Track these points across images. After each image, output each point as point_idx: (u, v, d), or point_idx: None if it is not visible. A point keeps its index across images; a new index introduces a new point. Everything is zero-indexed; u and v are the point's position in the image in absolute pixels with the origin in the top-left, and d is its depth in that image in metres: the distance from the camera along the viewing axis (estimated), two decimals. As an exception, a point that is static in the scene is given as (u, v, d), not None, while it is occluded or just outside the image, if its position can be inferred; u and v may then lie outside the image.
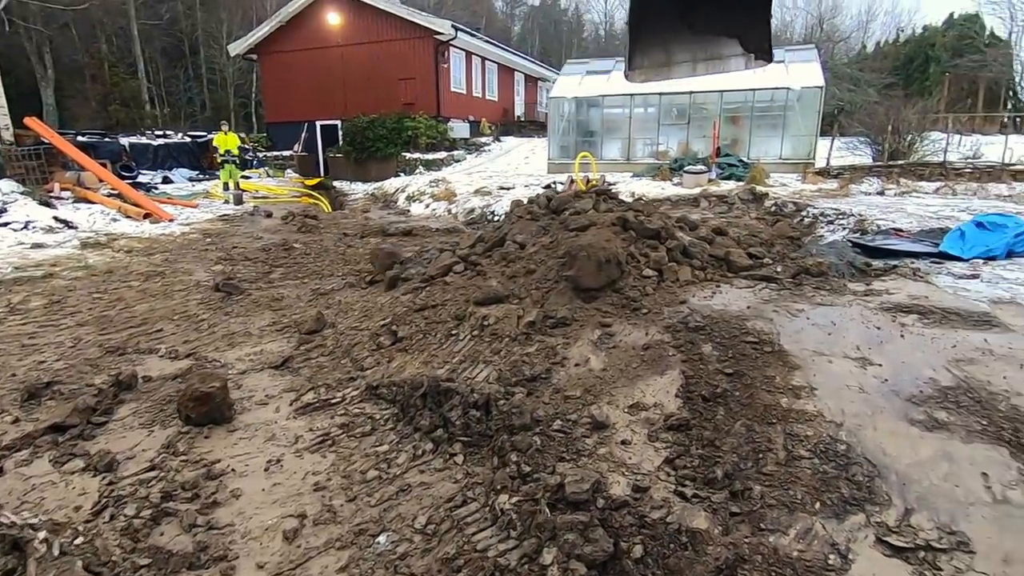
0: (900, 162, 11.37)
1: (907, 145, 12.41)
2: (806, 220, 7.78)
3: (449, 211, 11.63)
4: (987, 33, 27.87)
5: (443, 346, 4.10)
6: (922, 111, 14.00)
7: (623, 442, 2.82)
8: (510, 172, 16.96)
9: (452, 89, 22.10)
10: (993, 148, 12.95)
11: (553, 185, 12.28)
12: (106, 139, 18.20)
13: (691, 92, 13.83)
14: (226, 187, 13.82)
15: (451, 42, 20.41)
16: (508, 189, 11.93)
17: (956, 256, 4.76)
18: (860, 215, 7.28)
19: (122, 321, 5.28)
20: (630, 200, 10.35)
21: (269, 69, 22.88)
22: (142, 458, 2.99)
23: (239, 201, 13.05)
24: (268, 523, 2.49)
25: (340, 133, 20.95)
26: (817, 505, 2.26)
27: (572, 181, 12.45)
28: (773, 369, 3.14)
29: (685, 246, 4.96)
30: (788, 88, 12.77)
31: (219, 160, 13.88)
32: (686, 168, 10.83)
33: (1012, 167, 10.34)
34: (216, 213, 11.98)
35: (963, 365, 2.95)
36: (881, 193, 9.10)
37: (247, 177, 17.37)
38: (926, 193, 9.02)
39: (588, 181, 12.36)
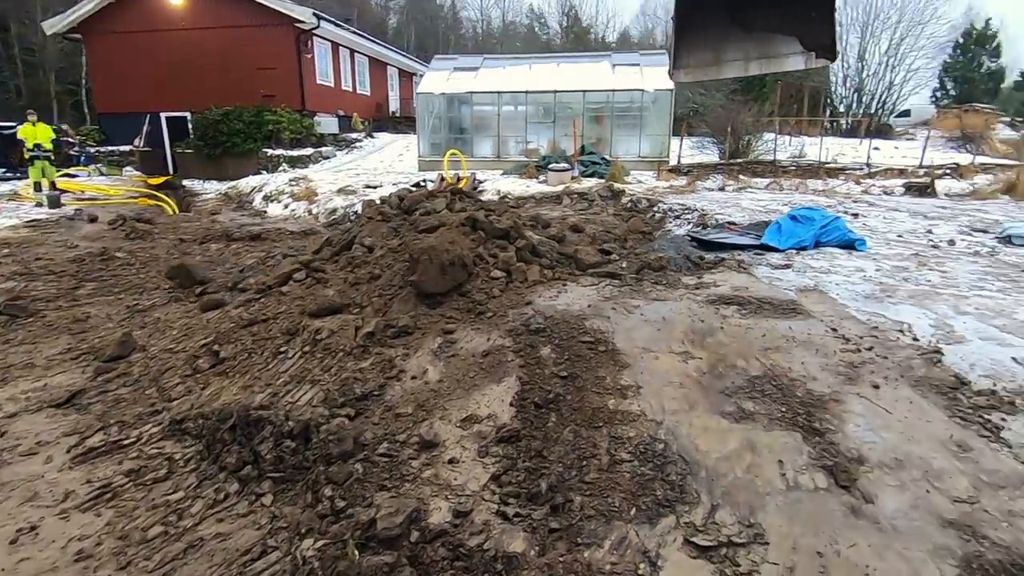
0: (739, 160, 12.53)
1: (745, 145, 13.74)
2: (657, 215, 8.20)
3: (310, 212, 10.86)
4: (809, 47, 31.76)
5: (268, 366, 3.67)
6: (756, 115, 15.55)
7: (451, 461, 2.64)
8: (382, 170, 16.34)
9: (318, 81, 20.85)
10: (814, 148, 14.70)
11: (423, 183, 11.96)
12: None
13: (555, 91, 14.18)
14: (38, 187, 11.83)
15: (314, 31, 19.20)
16: (375, 188, 11.41)
17: (775, 247, 5.19)
18: (702, 210, 7.81)
19: None
20: (496, 199, 10.35)
21: (99, 52, 20.04)
22: None
23: (55, 203, 11.20)
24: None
25: (190, 127, 18.90)
26: (633, 511, 2.22)
27: (443, 179, 12.22)
28: (605, 369, 3.14)
29: (534, 245, 4.92)
30: (643, 90, 13.54)
31: (27, 156, 11.83)
32: (550, 166, 11.05)
33: (827, 165, 11.80)
34: (24, 218, 10.18)
35: (770, 353, 3.13)
36: (722, 189, 9.93)
37: (71, 176, 15.07)
38: (759, 189, 10.00)
39: (459, 179, 12.20)
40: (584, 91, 14.04)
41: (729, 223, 6.43)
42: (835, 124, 26.10)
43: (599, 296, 4.16)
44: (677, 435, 2.58)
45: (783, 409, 2.67)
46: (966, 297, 3.83)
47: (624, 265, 4.99)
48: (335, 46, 21.80)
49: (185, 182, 16.55)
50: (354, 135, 21.99)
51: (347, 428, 2.79)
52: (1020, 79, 28.44)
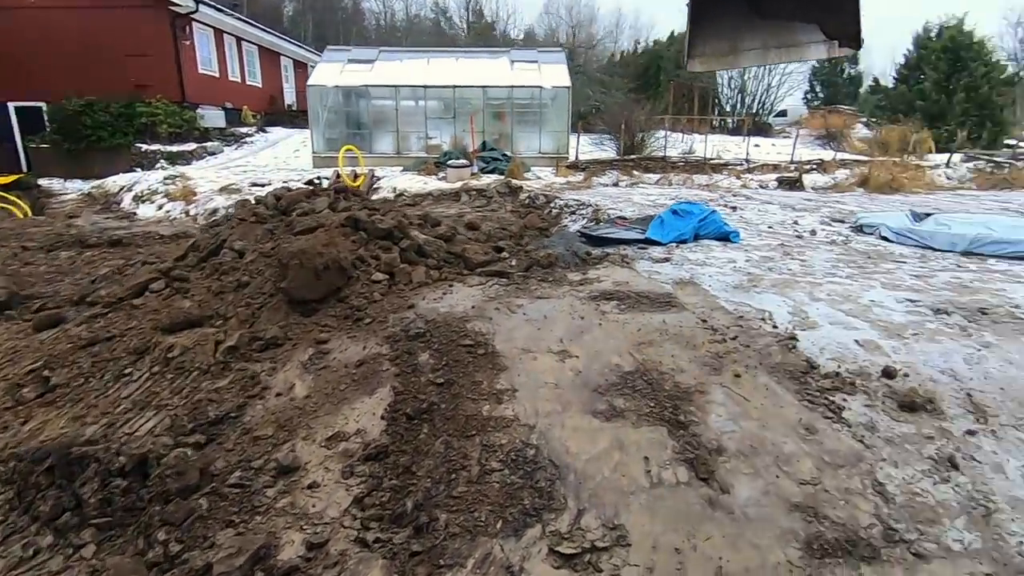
0: (633, 157, 13.04)
1: (639, 142, 14.33)
2: (554, 211, 8.28)
3: (187, 213, 9.95)
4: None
5: (108, 392, 3.23)
6: (649, 113, 16.25)
7: (311, 486, 2.42)
8: (274, 167, 15.35)
9: (201, 71, 19.21)
10: (703, 145, 15.60)
11: (318, 181, 11.34)
12: None
13: (455, 87, 13.99)
14: None
15: (192, 15, 17.64)
16: (262, 186, 10.67)
17: (657, 241, 5.37)
18: (596, 205, 7.98)
19: None
20: (392, 196, 10.02)
21: (-82, 29, 17.19)
22: None
23: None
24: None
25: (46, 118, 16.72)
26: (499, 524, 2.13)
27: (338, 176, 11.67)
28: (482, 373, 3.04)
29: (420, 245, 4.75)
30: (541, 87, 13.68)
31: None
32: (449, 163, 10.87)
33: (712, 161, 12.55)
34: None
35: (643, 348, 3.18)
36: (616, 184, 10.26)
37: None
38: (650, 184, 10.45)
39: (356, 176, 11.70)
40: (484, 87, 13.96)
41: (619, 218, 6.60)
42: (723, 123, 27.94)
43: (484, 296, 4.07)
44: (549, 439, 2.53)
45: (652, 404, 2.70)
46: (820, 284, 4.13)
47: (514, 263, 4.94)
48: (219, 33, 20.19)
49: (42, 181, 14.65)
50: (244, 129, 20.51)
51: (191, 459, 2.49)
52: (872, 84, 31.91)
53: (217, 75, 20.29)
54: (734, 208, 7.96)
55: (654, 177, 11.08)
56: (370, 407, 2.88)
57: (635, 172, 11.57)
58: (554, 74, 13.96)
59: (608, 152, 15.05)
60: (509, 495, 2.26)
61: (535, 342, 3.31)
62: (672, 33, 35.55)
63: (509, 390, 2.87)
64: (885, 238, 5.99)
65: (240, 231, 5.10)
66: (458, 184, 9.95)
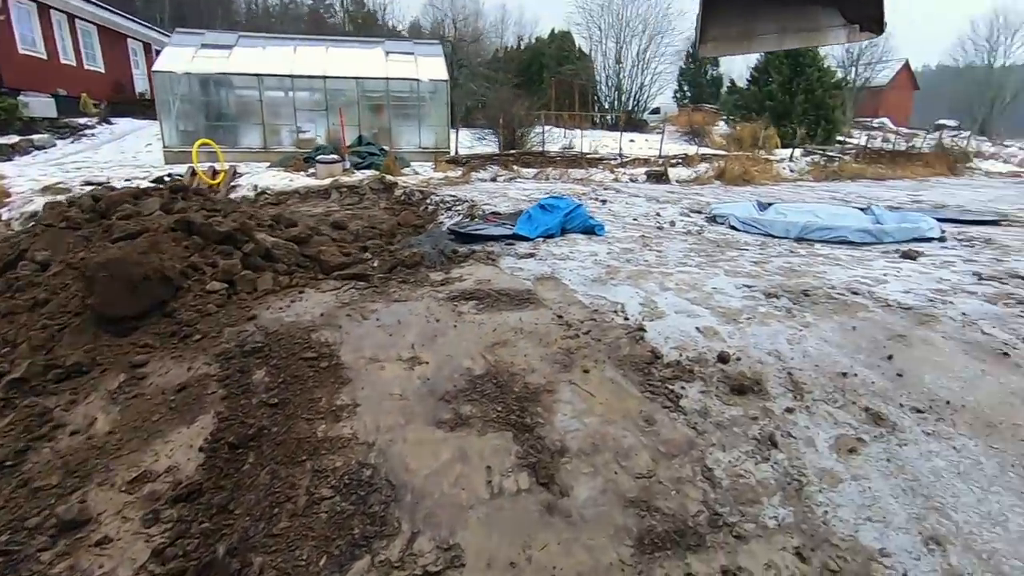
0: (513, 152, 13.16)
1: (519, 137, 14.49)
2: (430, 208, 8.07)
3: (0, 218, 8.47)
4: (576, 48, 35.00)
5: None
6: (528, 108, 16.48)
7: (101, 542, 2.05)
8: (118, 163, 13.60)
9: (22, 51, 16.57)
10: (583, 140, 16.11)
11: (170, 178, 10.20)
12: None
13: (325, 77, 13.23)
14: None
15: (5, -14, 15.13)
16: (99, 185, 9.35)
17: (526, 236, 5.37)
18: (472, 201, 7.88)
19: None
20: (252, 195, 9.25)
21: None
22: None
23: None
24: None
25: None
26: (323, 560, 1.93)
27: (194, 173, 10.57)
28: (323, 389, 2.79)
29: (268, 249, 4.34)
30: (418, 80, 13.34)
31: None
32: (319, 158, 10.25)
33: (588, 156, 13.00)
34: None
35: (497, 348, 3.09)
36: (494, 180, 10.26)
37: None
38: (528, 179, 10.59)
39: (215, 174, 10.66)
40: (358, 79, 13.33)
41: (492, 213, 6.54)
42: (603, 119, 29.19)
43: (337, 302, 3.79)
44: (388, 456, 2.35)
45: (499, 408, 2.61)
46: (671, 274, 4.32)
47: (376, 264, 4.69)
48: (43, 8, 17.52)
49: None
50: (84, 120, 18.02)
51: (-67, 528, 2.01)
52: (730, 86, 35.07)
53: (45, 57, 17.64)
54: (604, 201, 8.24)
55: (532, 172, 11.24)
56: (187, 439, 2.52)
57: (515, 167, 11.66)
58: (431, 67, 13.66)
59: (490, 147, 15.06)
60: (338, 525, 2.05)
61: (384, 350, 3.11)
62: (553, 31, 36.54)
63: (350, 405, 2.65)
64: (734, 227, 6.47)
65: (46, 239, 4.36)
66: (328, 181, 9.39)
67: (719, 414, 2.61)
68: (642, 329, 3.35)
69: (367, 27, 46.19)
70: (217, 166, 11.07)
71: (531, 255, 4.83)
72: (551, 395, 2.72)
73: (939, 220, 7.00)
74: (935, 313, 3.63)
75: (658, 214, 7.31)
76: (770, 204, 7.51)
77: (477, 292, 3.87)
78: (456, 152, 13.20)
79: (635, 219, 6.98)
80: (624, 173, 11.79)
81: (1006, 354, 3.14)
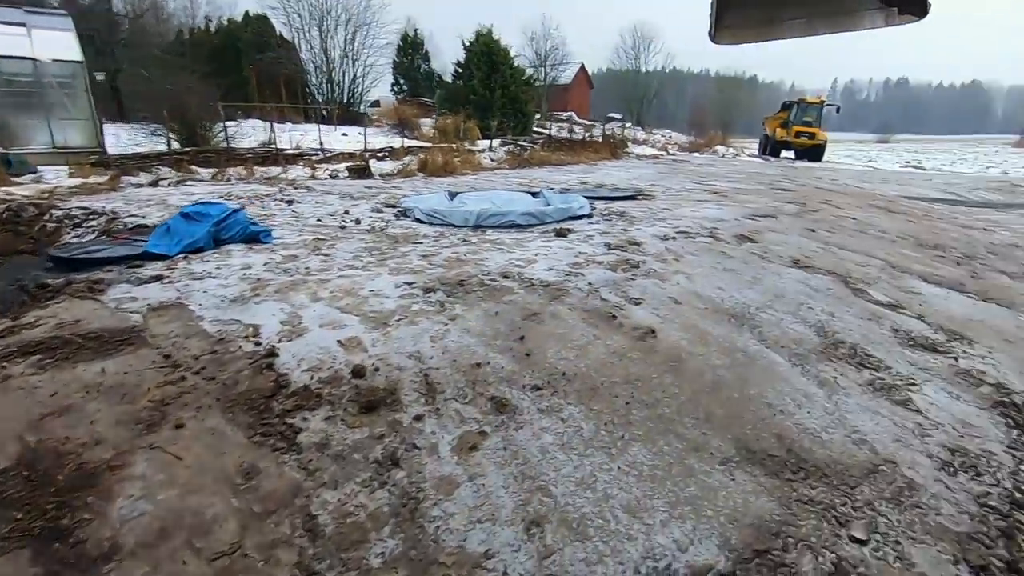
0: (189, 149, 11.25)
1: (203, 133, 12.48)
2: (49, 227, 6.21)
3: None
4: (277, 35, 32.20)
5: None
6: (219, 98, 14.38)
7: None
8: None
9: None
10: (294, 135, 14.73)
11: None
12: None
13: None
14: None
15: None
16: None
17: (163, 254, 4.40)
18: (113, 212, 6.33)
19: None
20: None
21: None
22: None
23: None
24: None
25: None
26: None
27: None
28: None
29: None
30: (35, 60, 10.31)
31: None
32: None
33: (286, 152, 11.89)
34: None
35: (49, 421, 2.28)
36: (155, 184, 8.54)
37: None
38: (203, 180, 9.10)
39: None
40: (-70, 54, 9.64)
41: (122, 230, 5.26)
42: (317, 112, 27.53)
43: None
44: None
45: (22, 516, 1.87)
46: (329, 281, 3.95)
47: None
48: None
49: None
50: None
51: None
52: (438, 80, 36.82)
53: None
54: (291, 201, 7.50)
55: (211, 172, 9.70)
56: None
57: (192, 167, 9.92)
58: (55, 43, 10.69)
59: (162, 145, 12.65)
60: None
61: None
62: (247, 13, 32.89)
63: None
64: (419, 220, 6.46)
65: None
66: None
67: (340, 442, 2.32)
68: (273, 354, 2.88)
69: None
70: None
71: (158, 278, 3.92)
72: (117, 472, 2.07)
73: (593, 198, 8.17)
74: (567, 287, 4.00)
75: (347, 212, 6.91)
76: (458, 193, 7.77)
77: (50, 342, 2.90)
78: (107, 152, 10.65)
79: (319, 219, 6.45)
80: (325, 169, 11.08)
81: (614, 316, 3.58)
